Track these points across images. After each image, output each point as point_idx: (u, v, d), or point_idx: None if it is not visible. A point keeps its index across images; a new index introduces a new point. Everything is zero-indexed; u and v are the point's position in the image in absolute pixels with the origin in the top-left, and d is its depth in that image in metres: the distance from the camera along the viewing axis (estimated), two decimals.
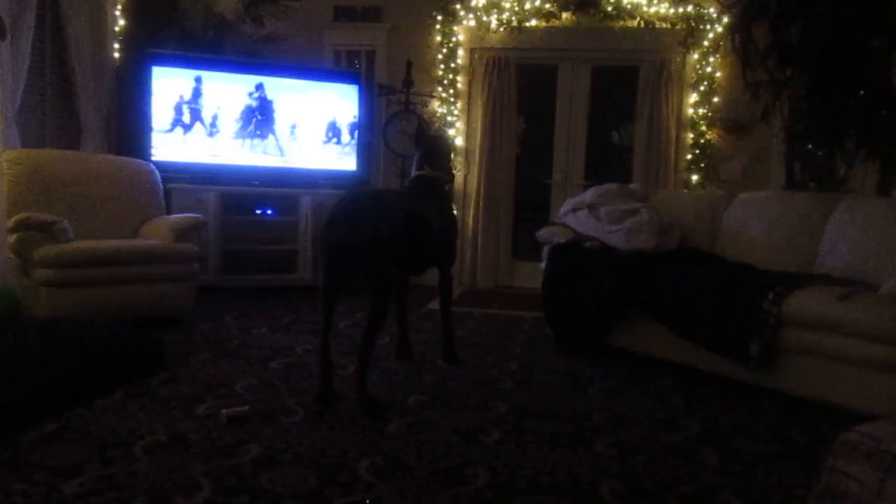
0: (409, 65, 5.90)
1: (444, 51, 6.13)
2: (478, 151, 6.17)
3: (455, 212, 4.70)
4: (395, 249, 2.81)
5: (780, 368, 3.02)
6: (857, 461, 1.34)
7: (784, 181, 5.41)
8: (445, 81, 6.14)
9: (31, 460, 2.08)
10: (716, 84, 5.80)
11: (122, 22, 5.32)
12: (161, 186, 4.71)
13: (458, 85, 6.17)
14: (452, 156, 5.88)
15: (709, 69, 5.78)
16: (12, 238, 3.79)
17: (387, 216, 2.81)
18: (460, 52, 6.15)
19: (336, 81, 5.76)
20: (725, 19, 5.47)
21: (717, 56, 5.74)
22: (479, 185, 6.16)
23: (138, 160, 4.73)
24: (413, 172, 3.44)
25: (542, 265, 4.17)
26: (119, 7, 5.28)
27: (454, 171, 3.83)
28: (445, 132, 6.01)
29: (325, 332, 2.82)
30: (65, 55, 4.85)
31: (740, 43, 4.29)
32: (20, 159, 4.08)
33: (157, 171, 4.69)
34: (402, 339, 3.58)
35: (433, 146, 3.52)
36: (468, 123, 6.22)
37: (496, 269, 6.25)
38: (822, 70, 4.01)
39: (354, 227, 2.74)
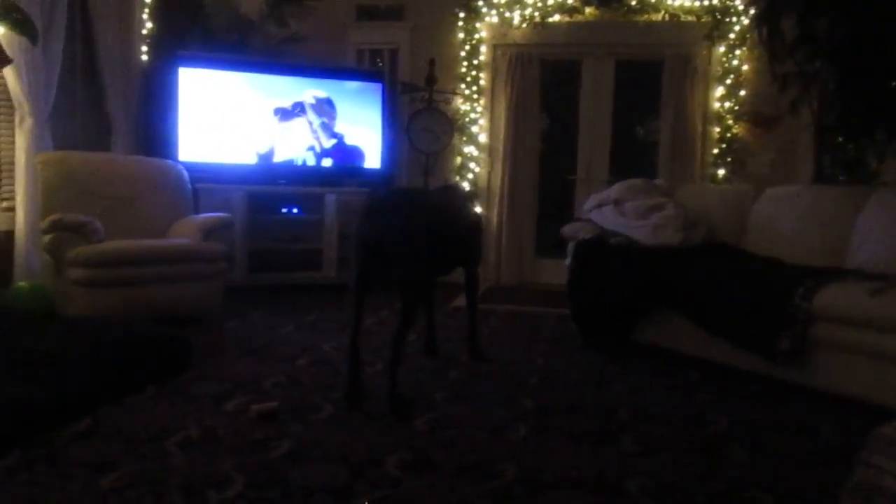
0: (431, 62, 5.91)
1: (467, 48, 6.13)
2: (501, 148, 6.16)
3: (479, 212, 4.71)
4: (428, 248, 2.81)
5: (810, 364, 2.98)
6: (892, 456, 1.33)
7: (813, 175, 5.34)
8: (468, 78, 6.14)
9: (68, 456, 2.13)
10: (742, 77, 5.72)
11: (149, 24, 5.39)
12: (189, 186, 4.77)
13: (481, 82, 6.17)
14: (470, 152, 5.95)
15: (735, 62, 5.71)
16: (46, 238, 3.87)
17: (420, 215, 2.82)
18: (483, 48, 6.14)
19: (359, 80, 5.78)
20: (752, 11, 5.40)
21: (744, 49, 5.67)
22: (502, 181, 6.16)
23: (167, 161, 4.80)
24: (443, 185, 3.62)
25: (567, 261, 4.16)
26: (146, 10, 5.36)
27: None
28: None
29: (356, 330, 2.81)
30: (94, 58, 4.93)
31: (767, 35, 4.23)
32: (53, 161, 4.17)
33: (184, 171, 4.76)
34: (429, 337, 3.61)
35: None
36: (491, 120, 6.22)
37: (520, 265, 6.24)
38: (852, 62, 3.94)
39: (388, 226, 2.75)
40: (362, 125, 5.72)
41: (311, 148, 5.59)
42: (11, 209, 4.32)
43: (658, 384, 3.19)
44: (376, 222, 2.77)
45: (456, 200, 3.48)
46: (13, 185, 4.31)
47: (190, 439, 2.29)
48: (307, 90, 5.54)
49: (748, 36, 5.54)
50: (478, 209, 5.92)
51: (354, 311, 2.83)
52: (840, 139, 4.63)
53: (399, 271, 2.77)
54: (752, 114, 5.72)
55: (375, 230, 2.76)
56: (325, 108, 5.61)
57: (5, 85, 4.20)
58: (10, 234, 4.27)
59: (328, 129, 5.63)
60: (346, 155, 5.70)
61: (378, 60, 6.39)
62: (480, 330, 3.69)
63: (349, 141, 5.70)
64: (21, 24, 3.70)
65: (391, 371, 2.72)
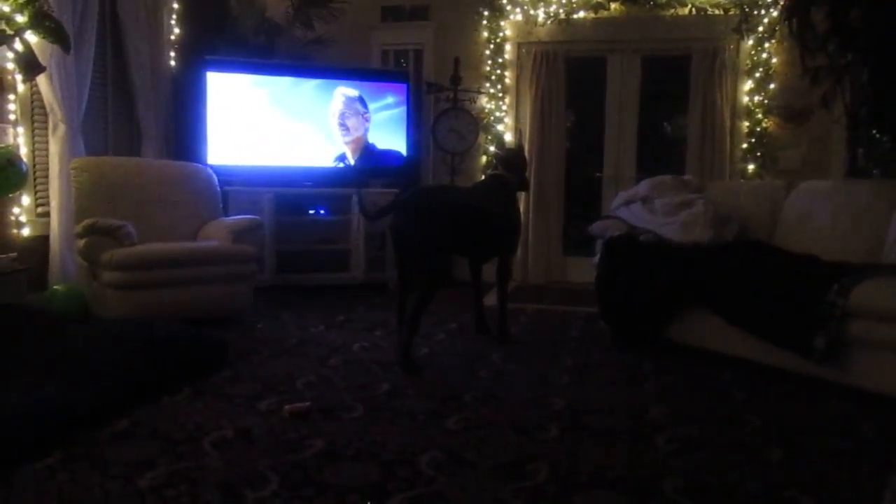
0: (456, 62, 5.91)
1: (492, 46, 6.13)
2: (527, 146, 6.13)
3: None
4: (440, 235, 3.23)
5: (848, 362, 2.92)
6: None
7: (846, 169, 5.24)
8: (493, 77, 6.14)
9: (107, 456, 2.16)
10: (772, 71, 5.65)
11: (176, 30, 5.47)
12: (218, 189, 4.83)
13: (506, 80, 6.16)
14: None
15: (764, 55, 5.63)
16: (80, 243, 3.94)
17: (438, 209, 3.26)
18: (507, 47, 6.14)
19: (385, 81, 5.81)
20: (781, 3, 5.32)
21: (773, 42, 5.60)
22: (528, 180, 6.12)
23: (196, 164, 4.87)
24: (490, 171, 3.96)
25: (596, 259, 4.13)
26: (174, 16, 5.43)
27: (528, 180, 4.17)
28: (524, 145, 5.93)
29: (401, 310, 3.37)
30: (124, 65, 5.02)
31: (798, 27, 4.16)
32: (86, 167, 4.25)
33: (214, 175, 4.82)
34: (479, 317, 4.01)
35: (512, 155, 4.00)
36: (517, 119, 6.20)
37: (548, 264, 6.22)
38: (886, 53, 3.86)
39: (409, 215, 3.24)
40: (388, 126, 5.73)
41: (342, 157, 5.62)
42: (46, 214, 4.41)
43: (691, 383, 3.16)
44: (403, 213, 3.27)
45: (498, 190, 3.76)
46: (47, 190, 4.40)
47: (225, 439, 2.32)
48: (338, 89, 5.56)
49: (777, 28, 5.46)
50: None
51: (400, 297, 3.43)
52: (874, 132, 4.54)
53: (417, 255, 3.25)
54: (782, 108, 5.64)
55: (401, 220, 3.27)
56: (357, 106, 5.63)
57: (38, 92, 4.29)
58: (45, 239, 4.36)
59: (357, 130, 5.65)
60: (373, 155, 5.72)
61: (402, 61, 6.41)
62: (508, 314, 3.93)
63: (377, 141, 5.72)
64: (54, 33, 3.77)
65: (408, 340, 3.22)
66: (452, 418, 2.58)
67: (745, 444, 2.41)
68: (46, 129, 4.36)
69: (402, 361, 3.21)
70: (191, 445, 2.25)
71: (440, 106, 6.10)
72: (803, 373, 3.07)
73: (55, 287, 4.17)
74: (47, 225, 4.39)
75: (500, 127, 6.14)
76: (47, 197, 4.41)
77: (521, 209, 6.11)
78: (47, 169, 4.40)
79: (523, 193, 5.56)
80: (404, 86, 5.81)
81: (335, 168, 5.61)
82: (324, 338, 3.89)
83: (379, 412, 2.64)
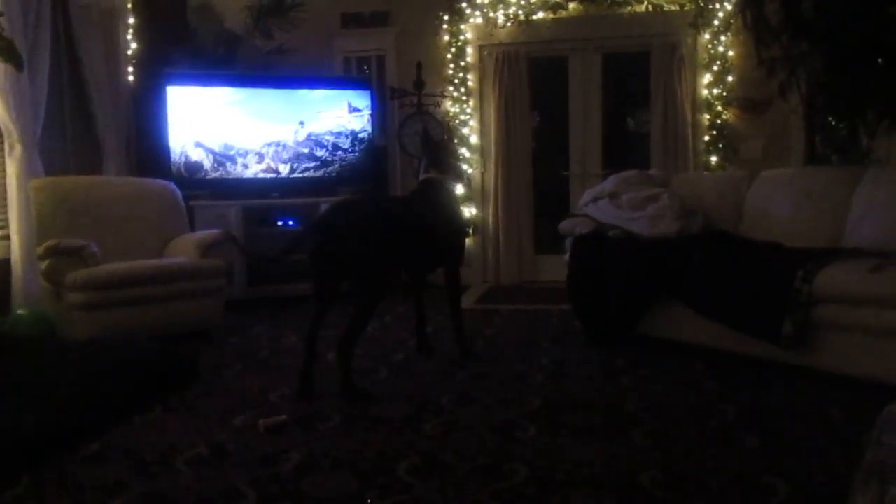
0: (419, 66, 5.91)
1: (453, 50, 6.12)
2: (493, 148, 6.15)
3: (464, 213, 4.58)
4: (372, 249, 2.92)
5: (816, 346, 2.98)
6: None
7: (805, 157, 5.34)
8: (456, 80, 6.14)
9: (79, 480, 2.12)
10: (729, 63, 5.72)
11: (134, 45, 5.37)
12: (183, 204, 4.76)
13: (469, 83, 6.16)
14: (462, 153, 5.92)
15: (721, 48, 5.71)
16: (43, 264, 3.85)
17: (367, 220, 2.99)
18: (469, 49, 6.14)
19: (348, 89, 5.78)
20: None
21: (729, 35, 5.68)
22: (496, 181, 6.15)
23: (159, 180, 4.79)
24: (421, 176, 3.57)
25: (566, 257, 4.15)
26: (131, 31, 5.34)
27: (462, 170, 3.85)
28: (451, 134, 5.64)
29: (312, 333, 3.02)
30: (81, 82, 4.92)
31: (752, 20, 4.23)
32: (45, 187, 4.16)
33: (178, 190, 4.75)
34: (420, 336, 3.68)
35: (438, 149, 3.66)
36: (482, 121, 6.21)
37: (520, 264, 6.23)
38: (838, 42, 3.94)
39: (330, 233, 2.97)
40: (351, 132, 5.71)
41: (303, 158, 5.58)
42: (6, 237, 4.31)
43: (664, 376, 3.19)
44: (321, 230, 3.01)
45: (432, 195, 3.45)
46: (7, 212, 4.30)
47: (200, 456, 2.29)
48: (295, 101, 5.52)
49: (732, 21, 5.54)
50: (466, 207, 5.72)
51: (313, 317, 3.04)
52: (830, 119, 4.63)
53: (352, 273, 2.98)
54: (741, 99, 5.72)
55: (320, 237, 2.98)
56: (314, 117, 5.60)
57: None
58: (6, 263, 4.26)
59: (318, 137, 5.62)
60: (338, 162, 5.69)
61: (365, 67, 6.39)
62: (465, 329, 3.62)
63: (341, 148, 5.69)
64: (5, 51, 3.67)
65: (344, 363, 2.89)
66: (430, 423, 2.58)
67: (720, 434, 2.44)
68: (2, 150, 4.27)
69: (345, 389, 2.88)
70: (164, 465, 2.21)
71: (405, 111, 6.08)
72: (774, 359, 3.12)
73: (19, 311, 4.08)
74: (8, 248, 4.29)
75: (465, 130, 6.15)
76: (7, 219, 4.32)
77: (490, 212, 6.16)
78: (5, 190, 4.30)
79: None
80: (368, 92, 5.79)
81: (300, 177, 5.56)
82: (296, 349, 3.82)
83: (355, 420, 2.62)
